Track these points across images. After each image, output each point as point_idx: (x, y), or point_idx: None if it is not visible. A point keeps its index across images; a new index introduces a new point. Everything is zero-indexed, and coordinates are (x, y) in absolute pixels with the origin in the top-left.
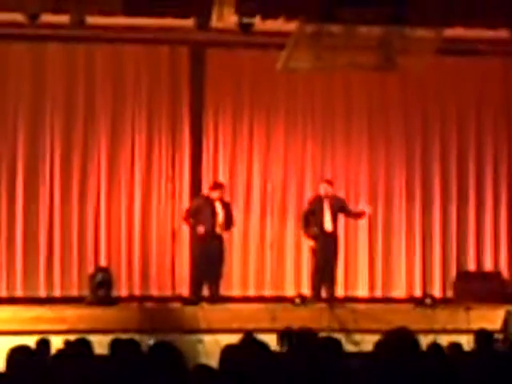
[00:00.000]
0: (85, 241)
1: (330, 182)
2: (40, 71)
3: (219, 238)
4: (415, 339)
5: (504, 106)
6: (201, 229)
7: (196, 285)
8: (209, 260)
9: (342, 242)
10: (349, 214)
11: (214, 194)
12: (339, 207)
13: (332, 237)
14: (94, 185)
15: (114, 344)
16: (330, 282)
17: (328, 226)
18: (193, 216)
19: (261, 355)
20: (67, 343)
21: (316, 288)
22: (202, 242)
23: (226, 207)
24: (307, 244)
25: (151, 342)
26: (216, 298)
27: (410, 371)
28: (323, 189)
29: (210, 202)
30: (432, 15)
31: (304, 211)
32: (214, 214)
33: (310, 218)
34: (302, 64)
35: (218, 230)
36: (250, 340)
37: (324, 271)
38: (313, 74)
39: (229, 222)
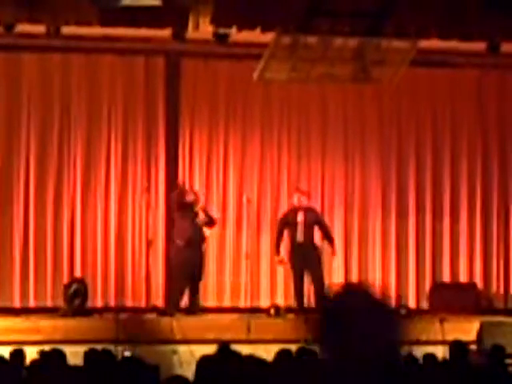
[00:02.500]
0: (60, 251)
1: (303, 192)
2: (16, 81)
3: (198, 249)
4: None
5: (479, 118)
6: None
7: (175, 296)
8: (188, 270)
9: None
10: (323, 228)
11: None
12: (314, 220)
13: (305, 248)
14: (69, 195)
15: (89, 354)
16: (317, 291)
17: (300, 237)
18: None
19: (236, 366)
20: (42, 354)
21: (297, 299)
22: (181, 252)
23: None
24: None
25: (127, 353)
26: (196, 309)
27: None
28: (296, 199)
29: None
30: (407, 27)
31: (278, 223)
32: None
33: (284, 230)
34: (277, 75)
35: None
36: (225, 351)
37: (302, 282)
38: (289, 84)
39: (210, 222)
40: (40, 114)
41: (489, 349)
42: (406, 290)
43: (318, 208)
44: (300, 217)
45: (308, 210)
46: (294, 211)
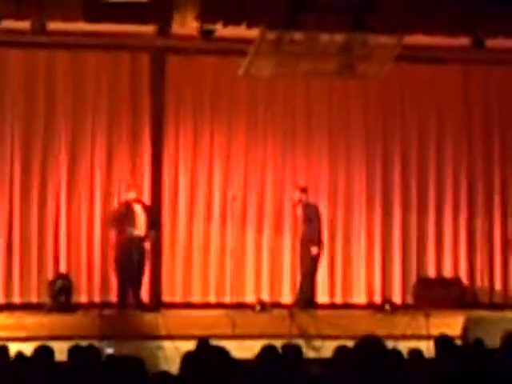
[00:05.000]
0: (44, 247)
1: (301, 189)
2: (0, 77)
3: (139, 243)
4: (382, 346)
5: (464, 113)
6: (131, 229)
7: (121, 290)
8: (131, 265)
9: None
10: (313, 226)
11: (131, 195)
12: (309, 216)
13: (304, 243)
14: (54, 191)
15: (73, 351)
16: (303, 287)
17: (299, 232)
18: (117, 222)
19: (221, 362)
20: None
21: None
22: (123, 247)
23: (147, 210)
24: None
25: (110, 350)
26: (139, 305)
27: (370, 377)
28: (296, 196)
29: (128, 205)
30: (393, 22)
31: None
32: (133, 216)
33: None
34: (263, 70)
35: (136, 232)
36: (206, 346)
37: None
38: (274, 80)
39: (151, 224)
40: (25, 109)
41: (471, 343)
42: (391, 285)
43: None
44: (298, 213)
45: (306, 207)
46: (294, 207)
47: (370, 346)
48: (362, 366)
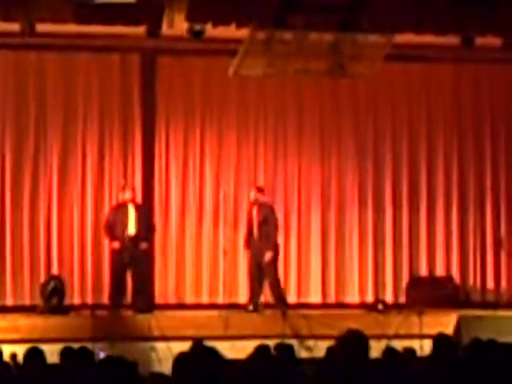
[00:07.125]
0: (37, 249)
1: (257, 189)
2: None
3: (133, 244)
4: (367, 343)
5: (454, 112)
6: (116, 244)
7: (113, 294)
8: (126, 269)
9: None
10: (269, 226)
11: (127, 195)
12: (265, 216)
13: (259, 244)
14: (46, 193)
15: (65, 353)
16: (273, 289)
17: (256, 233)
18: (108, 230)
19: (214, 363)
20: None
21: (252, 295)
22: (118, 251)
23: (141, 211)
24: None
25: (102, 355)
26: (144, 307)
27: (363, 376)
28: (252, 195)
29: (122, 206)
30: (383, 21)
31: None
32: (126, 216)
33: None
34: (253, 70)
35: (130, 232)
36: (201, 347)
37: (260, 279)
38: (264, 80)
39: (146, 228)
40: (15, 111)
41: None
42: (383, 284)
43: (294, 203)
44: (254, 213)
45: (262, 207)
46: (250, 207)
47: (354, 343)
48: (349, 365)
